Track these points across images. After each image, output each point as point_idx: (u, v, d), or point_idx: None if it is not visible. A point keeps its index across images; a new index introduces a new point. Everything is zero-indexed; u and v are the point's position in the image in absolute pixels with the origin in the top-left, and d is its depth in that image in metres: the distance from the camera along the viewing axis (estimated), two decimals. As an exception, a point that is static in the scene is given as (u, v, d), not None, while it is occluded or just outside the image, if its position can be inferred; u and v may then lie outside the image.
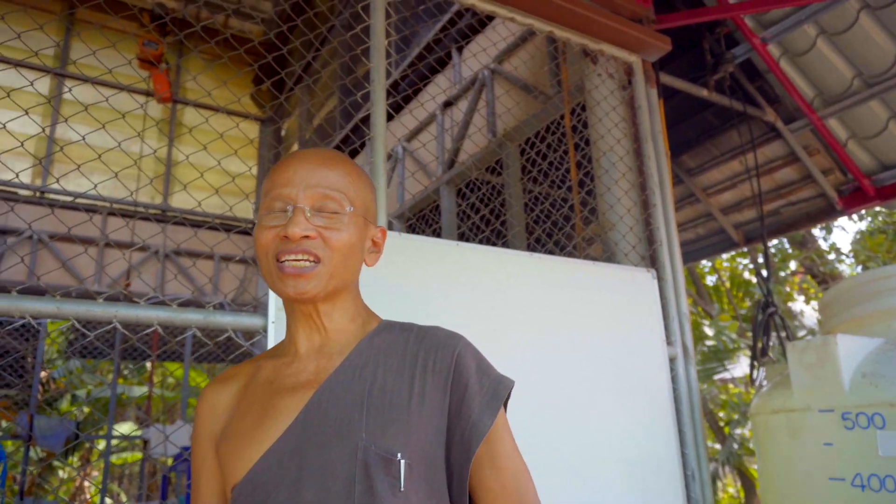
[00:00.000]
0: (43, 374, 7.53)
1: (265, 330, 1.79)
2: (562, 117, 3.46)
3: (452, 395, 0.94)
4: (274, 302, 1.80)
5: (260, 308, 1.98)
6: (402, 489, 0.85)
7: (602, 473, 2.08)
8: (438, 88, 5.20)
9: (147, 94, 8.43)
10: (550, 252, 3.17)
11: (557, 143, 3.55)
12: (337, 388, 0.94)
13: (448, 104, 5.06)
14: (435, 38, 5.00)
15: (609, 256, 2.68)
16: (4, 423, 6.95)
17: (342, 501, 0.85)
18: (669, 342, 2.48)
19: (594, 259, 2.64)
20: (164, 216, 8.28)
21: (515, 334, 2.09)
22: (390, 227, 5.53)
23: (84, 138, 1.93)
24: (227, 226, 8.13)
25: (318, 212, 0.93)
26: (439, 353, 0.97)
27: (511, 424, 1.96)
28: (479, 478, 0.94)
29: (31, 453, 6.66)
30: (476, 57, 4.51)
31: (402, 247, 2.02)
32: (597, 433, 2.12)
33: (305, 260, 0.92)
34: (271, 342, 1.77)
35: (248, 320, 1.79)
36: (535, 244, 3.77)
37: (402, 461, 0.86)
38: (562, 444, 2.03)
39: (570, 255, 2.49)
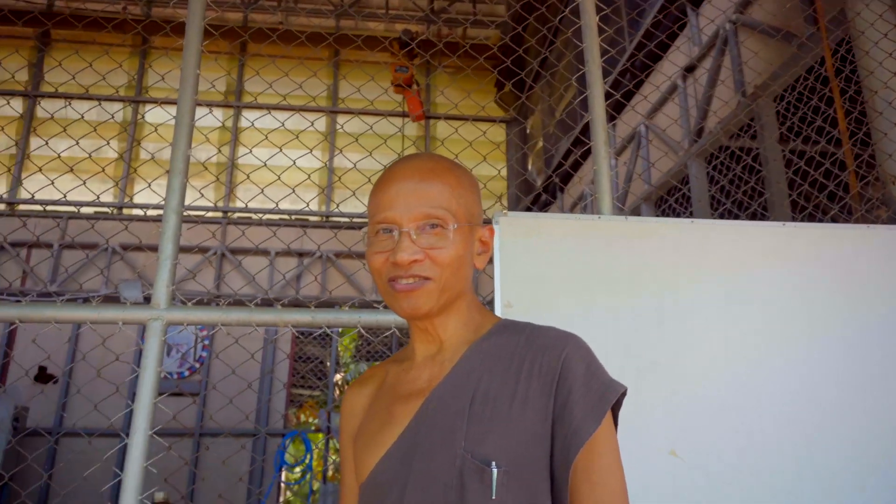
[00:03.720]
0: (338, 376, 8.69)
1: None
2: (822, 60, 2.95)
3: (557, 399, 0.90)
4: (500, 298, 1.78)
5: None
6: (494, 497, 0.84)
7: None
8: (677, 55, 4.81)
9: (403, 115, 9.19)
10: (821, 219, 2.71)
11: (820, 91, 3.03)
12: (444, 395, 0.95)
13: (689, 69, 4.66)
14: (662, 6, 4.64)
15: (893, 216, 2.20)
16: (311, 420, 8.22)
17: None
18: None
19: (874, 222, 2.19)
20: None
21: (774, 321, 1.80)
22: (637, 211, 5.27)
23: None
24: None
25: (424, 231, 0.95)
26: (546, 355, 0.93)
27: (774, 426, 1.70)
28: (574, 490, 0.87)
29: (331, 444, 7.77)
30: (705, 14, 4.09)
31: (633, 231, 1.87)
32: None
33: (416, 280, 0.95)
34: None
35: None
36: (797, 213, 3.27)
37: (496, 470, 0.85)
38: (841, 450, 1.70)
39: (843, 220, 2.10)
